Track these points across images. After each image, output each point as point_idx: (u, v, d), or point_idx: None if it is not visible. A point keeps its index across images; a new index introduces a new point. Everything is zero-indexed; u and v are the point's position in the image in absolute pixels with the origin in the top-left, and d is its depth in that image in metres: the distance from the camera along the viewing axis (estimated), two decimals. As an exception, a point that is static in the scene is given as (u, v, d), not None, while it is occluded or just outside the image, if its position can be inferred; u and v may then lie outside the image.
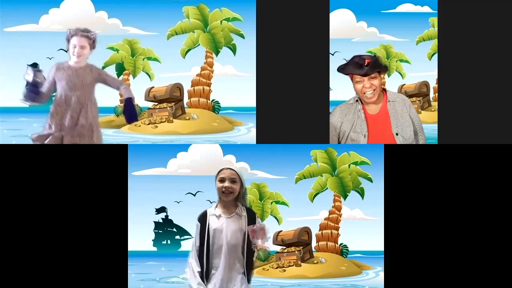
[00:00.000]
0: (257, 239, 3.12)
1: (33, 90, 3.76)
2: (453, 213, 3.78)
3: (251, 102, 4.41)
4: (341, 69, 3.56)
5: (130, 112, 3.86)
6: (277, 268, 4.56)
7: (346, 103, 3.67)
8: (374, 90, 3.51)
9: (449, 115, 4.40)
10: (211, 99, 4.70)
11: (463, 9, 4.40)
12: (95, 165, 3.75)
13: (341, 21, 4.73)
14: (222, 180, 3.19)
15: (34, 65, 4.48)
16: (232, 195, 3.19)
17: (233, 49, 4.65)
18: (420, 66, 4.84)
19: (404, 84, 4.92)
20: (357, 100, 3.62)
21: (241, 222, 3.18)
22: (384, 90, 3.65)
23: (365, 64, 3.44)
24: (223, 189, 3.17)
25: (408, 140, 3.61)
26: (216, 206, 3.23)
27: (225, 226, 3.15)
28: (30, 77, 3.74)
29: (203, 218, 3.21)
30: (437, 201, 3.80)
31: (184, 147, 4.45)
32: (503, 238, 3.75)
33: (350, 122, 3.61)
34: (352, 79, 3.54)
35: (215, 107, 4.70)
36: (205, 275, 3.12)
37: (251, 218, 3.20)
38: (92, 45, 3.82)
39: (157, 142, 4.59)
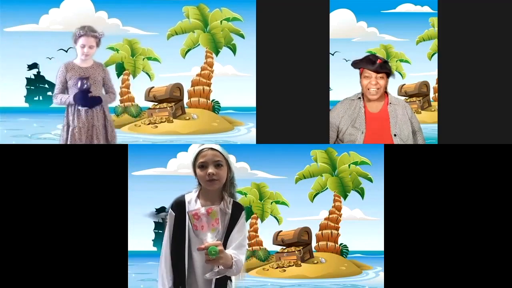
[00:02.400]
0: (204, 230, 2.29)
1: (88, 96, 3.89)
2: (453, 213, 3.78)
3: (251, 102, 4.41)
4: (354, 64, 3.71)
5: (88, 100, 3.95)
6: (277, 268, 4.56)
7: (348, 98, 3.78)
8: (378, 89, 3.64)
9: (449, 115, 4.40)
10: (211, 99, 4.70)
11: (463, 9, 4.40)
12: (95, 165, 3.75)
13: (341, 21, 4.73)
14: (203, 166, 2.51)
15: (34, 66, 4.49)
16: (219, 182, 2.51)
17: (233, 49, 4.65)
18: (420, 66, 4.84)
19: (404, 84, 4.92)
20: (359, 98, 3.73)
21: (225, 221, 2.50)
22: (386, 92, 3.74)
23: (377, 61, 3.62)
24: (207, 177, 2.49)
25: (406, 141, 3.69)
26: (198, 197, 2.56)
27: None
28: (80, 86, 3.87)
29: (179, 207, 2.52)
30: (437, 201, 3.80)
31: (184, 147, 4.44)
32: (503, 238, 3.75)
33: (351, 117, 3.70)
34: (361, 74, 3.68)
35: (215, 107, 4.70)
36: (179, 283, 2.46)
37: (235, 215, 2.51)
38: (98, 44, 3.96)
39: (157, 142, 4.59)
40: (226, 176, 2.55)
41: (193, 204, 2.53)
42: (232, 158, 2.67)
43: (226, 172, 2.55)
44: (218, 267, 2.33)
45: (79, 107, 3.90)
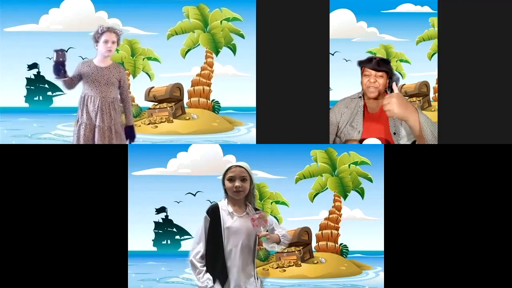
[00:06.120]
0: (258, 227, 3.01)
1: (59, 67, 3.75)
2: (453, 213, 3.78)
3: (251, 102, 4.41)
4: (359, 63, 3.81)
5: (132, 136, 4.09)
6: (277, 268, 4.56)
7: (349, 96, 3.84)
8: (377, 88, 3.70)
9: (449, 115, 4.40)
10: (211, 99, 4.71)
11: (463, 9, 4.40)
12: (95, 165, 3.75)
13: (341, 21, 4.73)
14: (232, 179, 3.05)
15: (34, 66, 4.49)
16: (243, 193, 3.06)
17: (233, 49, 4.65)
18: (420, 66, 4.84)
19: (404, 84, 4.92)
20: (360, 97, 3.79)
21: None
22: (386, 92, 3.75)
23: (375, 59, 3.74)
24: (234, 189, 3.03)
25: (403, 138, 3.70)
26: (227, 203, 3.09)
27: (239, 225, 3.02)
28: (54, 58, 3.74)
29: (214, 212, 3.05)
30: (437, 201, 3.80)
31: (184, 147, 4.45)
32: (503, 238, 3.75)
33: (349, 116, 3.76)
34: (362, 73, 3.76)
35: (215, 107, 4.70)
36: (220, 278, 2.97)
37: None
38: (118, 42, 3.98)
39: (157, 142, 4.59)
40: (249, 188, 3.08)
41: (225, 208, 3.06)
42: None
43: (249, 185, 3.08)
44: (269, 244, 3.08)
45: (56, 77, 3.79)
